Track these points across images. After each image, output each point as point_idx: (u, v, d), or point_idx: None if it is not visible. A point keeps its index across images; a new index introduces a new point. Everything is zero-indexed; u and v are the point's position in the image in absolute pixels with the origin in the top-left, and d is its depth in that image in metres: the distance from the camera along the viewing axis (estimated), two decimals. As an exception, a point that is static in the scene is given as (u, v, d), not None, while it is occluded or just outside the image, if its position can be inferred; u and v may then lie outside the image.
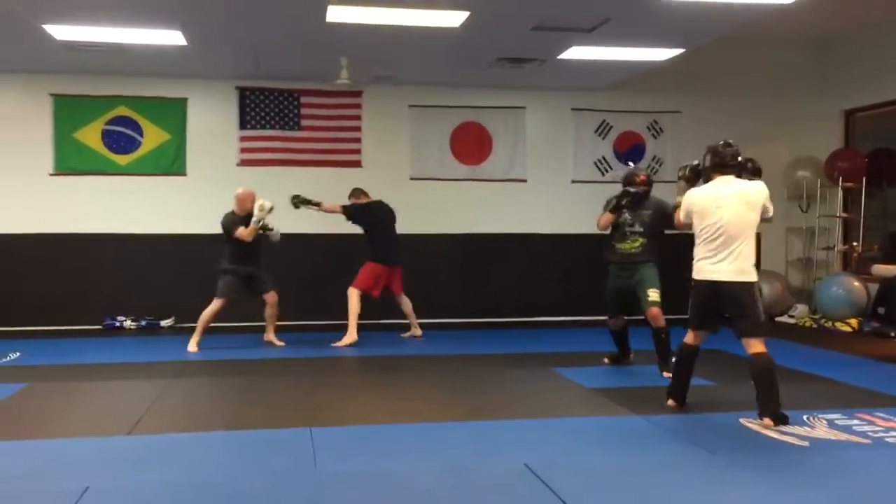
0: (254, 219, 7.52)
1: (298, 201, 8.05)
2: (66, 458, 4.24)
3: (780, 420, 4.71)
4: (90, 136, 9.27)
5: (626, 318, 6.66)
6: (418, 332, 8.53)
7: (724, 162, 4.95)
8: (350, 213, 8.12)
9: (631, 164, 6.56)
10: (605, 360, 6.87)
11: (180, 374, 6.59)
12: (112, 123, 9.30)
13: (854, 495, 3.73)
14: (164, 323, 9.26)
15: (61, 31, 7.27)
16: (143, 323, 9.20)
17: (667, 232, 6.35)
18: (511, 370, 6.68)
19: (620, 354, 6.81)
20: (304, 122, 9.62)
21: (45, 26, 7.09)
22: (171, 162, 9.43)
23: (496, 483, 3.86)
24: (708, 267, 4.88)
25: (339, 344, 7.85)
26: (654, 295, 6.26)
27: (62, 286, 9.12)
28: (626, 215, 6.40)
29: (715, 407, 4.83)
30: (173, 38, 7.44)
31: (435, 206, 9.90)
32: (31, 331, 8.78)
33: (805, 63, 10.49)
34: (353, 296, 7.96)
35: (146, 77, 9.21)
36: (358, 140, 9.77)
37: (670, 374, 5.58)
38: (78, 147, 9.24)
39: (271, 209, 7.57)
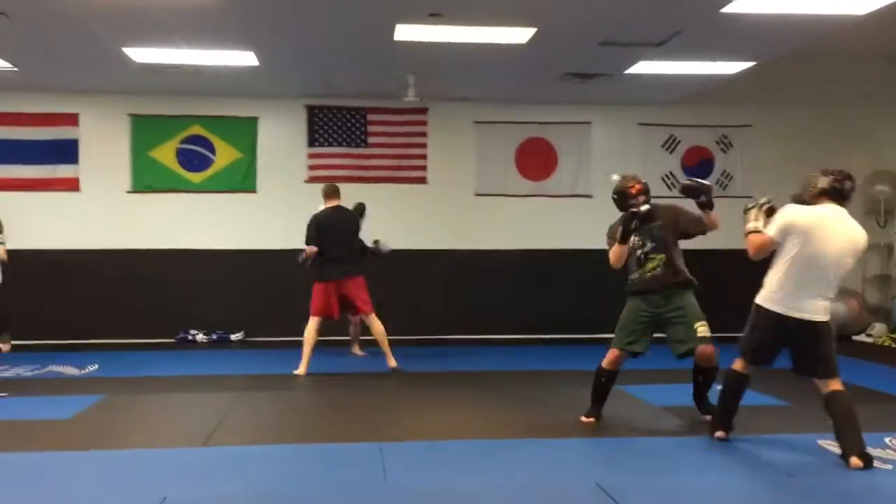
0: None
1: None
2: (144, 469, 4.35)
3: (868, 460, 4.31)
4: (165, 154, 9.56)
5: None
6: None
7: (843, 195, 4.44)
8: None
9: (615, 176, 5.53)
10: (585, 419, 5.41)
11: (250, 387, 6.71)
12: (186, 142, 9.58)
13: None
14: (234, 336, 9.45)
15: (140, 54, 7.53)
16: (215, 336, 9.41)
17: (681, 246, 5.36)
18: (578, 387, 6.59)
19: (600, 409, 5.42)
20: (370, 140, 9.75)
21: (124, 49, 7.36)
22: (241, 179, 9.65)
23: (568, 502, 3.83)
24: (789, 301, 4.39)
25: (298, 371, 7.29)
26: (703, 329, 5.10)
27: (138, 300, 9.38)
28: (634, 238, 5.20)
29: (790, 428, 4.70)
30: (246, 59, 7.63)
31: (499, 223, 9.90)
32: (107, 343, 9.04)
33: (881, 75, 10.18)
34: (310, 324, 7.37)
35: (219, 97, 9.46)
36: (423, 157, 9.85)
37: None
38: (154, 165, 9.54)
39: None
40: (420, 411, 5.89)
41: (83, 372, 7.33)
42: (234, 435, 5.09)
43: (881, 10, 6.33)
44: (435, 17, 6.39)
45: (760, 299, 4.54)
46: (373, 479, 4.13)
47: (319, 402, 6.16)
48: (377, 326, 7.38)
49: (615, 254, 5.20)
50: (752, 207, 4.66)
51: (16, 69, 8.06)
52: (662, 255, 5.21)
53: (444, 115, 9.82)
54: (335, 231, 7.34)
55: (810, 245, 4.34)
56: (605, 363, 5.34)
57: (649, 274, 5.22)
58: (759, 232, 4.50)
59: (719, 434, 4.80)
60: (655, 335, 5.35)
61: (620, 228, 5.14)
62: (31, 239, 8.99)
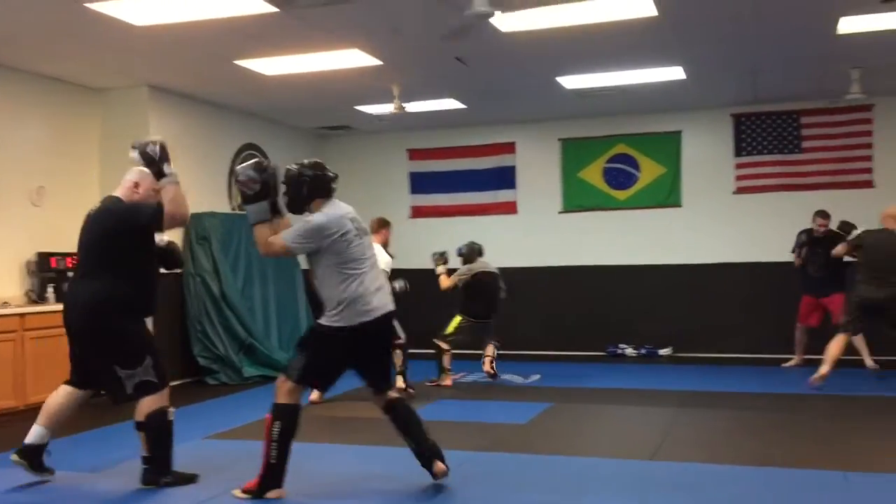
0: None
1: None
2: (597, 477, 4.49)
3: None
4: (593, 174, 9.93)
5: None
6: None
7: None
8: None
9: None
10: None
11: (690, 403, 6.60)
12: (612, 161, 9.85)
13: None
14: (662, 352, 9.45)
15: (572, 81, 7.95)
16: (643, 351, 9.50)
17: None
18: None
19: None
20: (805, 144, 9.10)
21: (558, 78, 7.83)
22: (667, 194, 9.64)
23: None
24: None
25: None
26: None
27: (570, 315, 9.82)
28: None
29: None
30: (674, 73, 7.63)
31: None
32: (544, 355, 9.61)
33: None
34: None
35: (642, 114, 9.58)
36: (868, 158, 8.92)
37: None
38: (582, 185, 9.97)
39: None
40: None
41: (528, 381, 7.89)
42: (682, 451, 5.04)
43: None
44: (889, 2, 5.77)
45: None
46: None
47: (773, 423, 5.81)
48: None
49: None
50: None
51: (465, 107, 9.01)
52: None
53: (893, 111, 8.79)
54: None
55: None
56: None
57: None
58: None
59: None
60: None
61: None
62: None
